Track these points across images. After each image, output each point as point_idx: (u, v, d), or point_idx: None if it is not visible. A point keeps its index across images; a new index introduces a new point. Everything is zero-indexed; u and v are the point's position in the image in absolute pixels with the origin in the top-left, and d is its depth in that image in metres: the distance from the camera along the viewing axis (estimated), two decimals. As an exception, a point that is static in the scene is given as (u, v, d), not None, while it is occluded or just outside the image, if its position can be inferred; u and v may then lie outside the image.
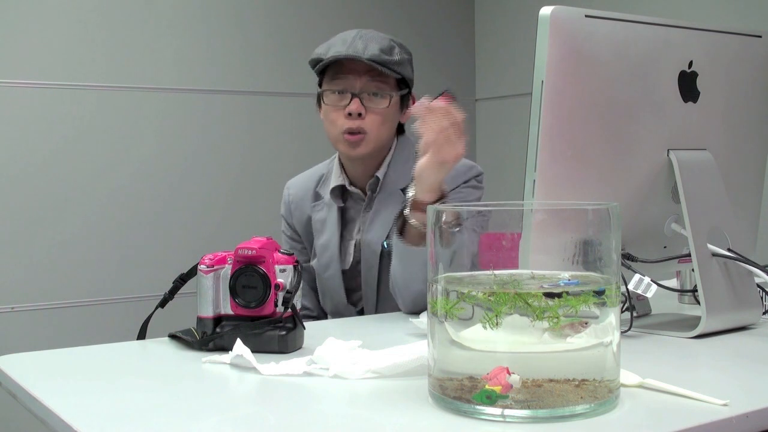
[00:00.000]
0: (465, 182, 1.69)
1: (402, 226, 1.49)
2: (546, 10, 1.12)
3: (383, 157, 1.73)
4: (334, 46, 1.66)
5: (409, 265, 1.48)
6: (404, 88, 1.71)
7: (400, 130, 1.77)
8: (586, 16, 1.15)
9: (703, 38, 1.29)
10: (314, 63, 1.69)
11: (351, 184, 1.75)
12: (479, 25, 4.15)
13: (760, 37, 1.37)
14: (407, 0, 3.92)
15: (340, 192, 1.76)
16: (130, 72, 3.23)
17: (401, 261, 1.49)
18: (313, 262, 1.80)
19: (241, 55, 3.47)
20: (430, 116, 1.38)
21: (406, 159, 1.70)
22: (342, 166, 1.77)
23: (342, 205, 1.76)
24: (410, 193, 1.45)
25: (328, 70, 1.69)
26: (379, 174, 1.71)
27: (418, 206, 1.45)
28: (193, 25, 3.37)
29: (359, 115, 1.65)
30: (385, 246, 1.65)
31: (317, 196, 1.80)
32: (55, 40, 3.09)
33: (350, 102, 1.65)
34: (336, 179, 1.76)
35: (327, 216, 1.76)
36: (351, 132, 1.66)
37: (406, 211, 1.46)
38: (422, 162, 1.41)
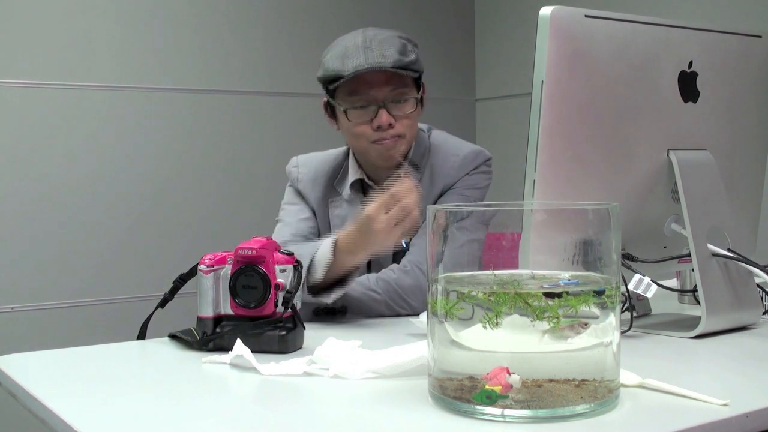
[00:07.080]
0: (474, 168, 1.68)
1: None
2: (546, 10, 1.12)
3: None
4: (350, 58, 1.56)
5: (366, 311, 1.50)
6: (420, 83, 1.67)
7: None
8: (586, 16, 1.15)
9: (703, 38, 1.29)
10: (331, 79, 1.60)
11: (369, 178, 1.71)
12: (479, 25, 4.14)
13: (760, 37, 1.37)
14: (407, 0, 3.91)
15: (360, 186, 1.71)
16: (130, 72, 3.22)
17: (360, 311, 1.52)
18: None
19: (241, 55, 3.47)
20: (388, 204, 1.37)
21: (422, 153, 1.69)
22: (357, 162, 1.72)
23: (364, 199, 1.70)
24: (333, 237, 1.45)
25: (344, 83, 1.59)
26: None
27: (338, 256, 1.43)
28: (194, 26, 3.37)
29: (389, 125, 1.60)
30: (404, 245, 1.57)
31: (334, 192, 1.74)
32: (56, 40, 3.08)
33: (377, 114, 1.59)
34: (354, 174, 1.71)
35: (348, 213, 1.70)
36: (383, 139, 1.62)
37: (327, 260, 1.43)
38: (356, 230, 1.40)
